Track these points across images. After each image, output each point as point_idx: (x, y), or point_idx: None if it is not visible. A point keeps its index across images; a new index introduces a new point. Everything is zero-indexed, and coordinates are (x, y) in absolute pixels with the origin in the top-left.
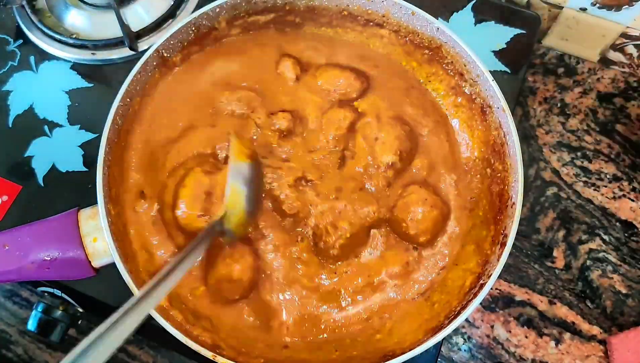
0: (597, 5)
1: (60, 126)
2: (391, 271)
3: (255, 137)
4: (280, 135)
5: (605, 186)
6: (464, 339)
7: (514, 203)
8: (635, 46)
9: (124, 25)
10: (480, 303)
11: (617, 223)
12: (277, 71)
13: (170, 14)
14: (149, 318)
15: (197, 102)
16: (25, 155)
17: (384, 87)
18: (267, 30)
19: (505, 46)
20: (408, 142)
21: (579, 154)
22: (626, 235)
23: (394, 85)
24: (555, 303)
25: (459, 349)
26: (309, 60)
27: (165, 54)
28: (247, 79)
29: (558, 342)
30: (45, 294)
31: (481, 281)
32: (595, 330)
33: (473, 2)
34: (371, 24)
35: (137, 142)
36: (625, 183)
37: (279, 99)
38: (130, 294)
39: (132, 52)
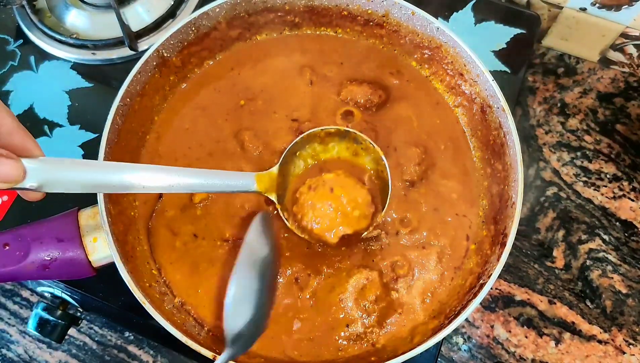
0: (597, 5)
1: (60, 126)
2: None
3: None
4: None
5: (605, 186)
6: (464, 339)
7: (514, 203)
8: (635, 45)
9: (124, 25)
10: (480, 303)
11: (617, 223)
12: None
13: (170, 14)
14: (149, 318)
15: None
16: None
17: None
18: (280, 37)
19: (505, 46)
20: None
21: (579, 154)
22: (626, 234)
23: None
24: (555, 303)
25: (459, 349)
26: (326, 72)
27: (165, 54)
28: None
29: (558, 341)
30: (45, 294)
31: (481, 281)
32: (595, 330)
33: (473, 2)
34: (371, 23)
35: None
36: (625, 183)
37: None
38: (130, 294)
39: (132, 52)
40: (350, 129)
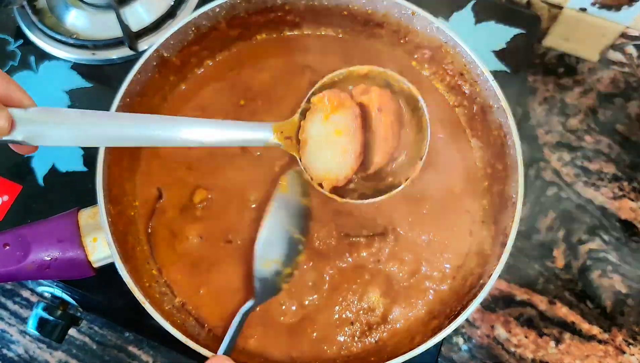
0: (597, 5)
1: None
2: None
3: None
4: None
5: (605, 186)
6: (464, 339)
7: (514, 203)
8: (635, 46)
9: (124, 25)
10: (481, 303)
11: (617, 223)
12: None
13: (170, 14)
14: (149, 318)
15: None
16: (26, 155)
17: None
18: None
19: (505, 46)
20: None
21: (579, 154)
22: (626, 234)
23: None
24: (555, 303)
25: (459, 349)
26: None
27: (165, 54)
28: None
29: (558, 342)
30: (45, 294)
31: (481, 281)
32: (595, 330)
33: (473, 2)
34: (371, 23)
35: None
36: (625, 183)
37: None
38: (130, 294)
39: (132, 52)
40: (383, 69)
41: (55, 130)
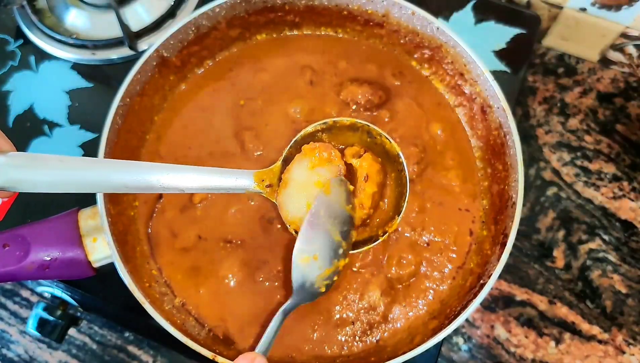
0: (597, 5)
1: (60, 126)
2: None
3: None
4: None
5: (605, 186)
6: (464, 339)
7: (514, 203)
8: (635, 46)
9: (124, 25)
10: (481, 303)
11: (617, 223)
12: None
13: (170, 14)
14: (149, 318)
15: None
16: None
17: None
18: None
19: (505, 46)
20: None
21: (579, 154)
22: (626, 234)
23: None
24: (555, 303)
25: (459, 349)
26: (326, 72)
27: (165, 54)
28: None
29: (558, 342)
30: (45, 294)
31: (481, 281)
32: (595, 330)
33: (473, 2)
34: (371, 23)
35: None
36: (625, 183)
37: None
38: (130, 294)
39: (132, 52)
40: (364, 122)
41: (35, 176)
